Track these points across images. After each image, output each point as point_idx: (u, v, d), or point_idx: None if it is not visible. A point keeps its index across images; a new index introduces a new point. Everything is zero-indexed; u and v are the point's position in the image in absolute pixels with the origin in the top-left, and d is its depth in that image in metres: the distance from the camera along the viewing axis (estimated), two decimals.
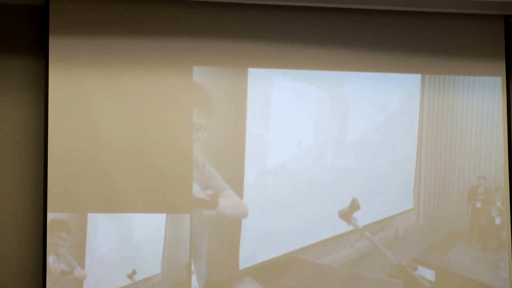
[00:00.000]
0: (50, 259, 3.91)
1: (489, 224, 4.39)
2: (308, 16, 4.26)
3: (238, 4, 4.17)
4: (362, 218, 4.26)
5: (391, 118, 4.35)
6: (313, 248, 4.20)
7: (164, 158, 4.05)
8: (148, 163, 4.04)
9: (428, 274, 4.30)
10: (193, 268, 4.04)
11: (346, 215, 4.25)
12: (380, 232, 4.29)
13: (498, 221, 4.40)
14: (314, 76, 4.26)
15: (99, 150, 4.00)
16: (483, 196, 4.40)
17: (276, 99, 4.23)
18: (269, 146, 4.20)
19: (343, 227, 4.25)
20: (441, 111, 4.39)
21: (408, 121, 4.37)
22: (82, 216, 3.97)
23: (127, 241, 4.01)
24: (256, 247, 4.14)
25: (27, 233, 4.02)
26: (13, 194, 4.03)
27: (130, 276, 4.00)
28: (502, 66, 4.45)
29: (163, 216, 4.05)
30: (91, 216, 3.98)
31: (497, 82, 4.45)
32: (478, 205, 4.40)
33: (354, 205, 4.26)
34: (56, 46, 3.99)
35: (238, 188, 4.13)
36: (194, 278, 4.04)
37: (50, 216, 3.93)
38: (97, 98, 4.02)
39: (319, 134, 4.27)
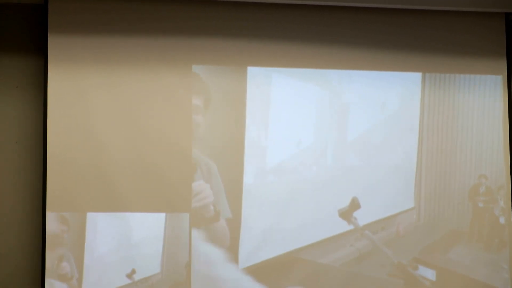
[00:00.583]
0: (48, 260, 3.91)
1: (492, 223, 4.37)
2: (308, 15, 4.25)
3: (237, 3, 4.16)
4: (363, 217, 4.25)
5: (392, 117, 4.33)
6: (313, 247, 4.19)
7: (163, 157, 4.04)
8: (147, 162, 4.03)
9: (429, 273, 4.28)
10: (192, 267, 4.04)
11: (346, 214, 4.24)
12: (380, 231, 4.28)
13: (502, 220, 4.38)
14: (314, 75, 4.24)
15: (98, 149, 4.00)
16: (484, 195, 4.38)
17: (275, 98, 4.22)
18: (269, 145, 4.19)
19: (343, 226, 4.24)
20: (441, 109, 4.37)
21: (409, 120, 4.35)
22: (81, 215, 3.97)
23: (126, 241, 4.01)
24: (255, 246, 4.13)
25: (26, 232, 4.02)
26: (12, 194, 4.03)
27: (129, 276, 3.99)
28: (503, 64, 4.43)
29: (162, 215, 4.04)
30: (90, 216, 3.98)
31: (498, 81, 4.43)
32: (480, 204, 4.38)
33: (354, 204, 4.24)
34: (55, 45, 3.99)
35: (237, 187, 4.12)
36: (193, 278, 4.03)
37: (49, 215, 3.92)
38: (96, 97, 4.02)
39: (319, 133, 4.25)
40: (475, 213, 4.38)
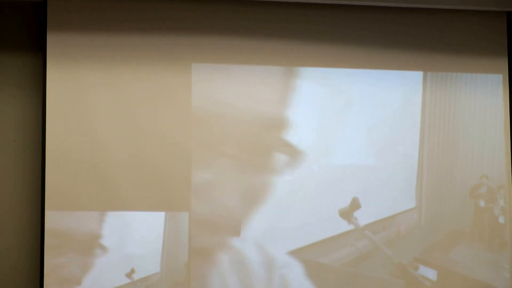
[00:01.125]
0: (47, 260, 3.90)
1: (492, 223, 4.36)
2: (309, 13, 4.24)
3: (237, 1, 4.15)
4: (363, 217, 4.23)
5: (393, 116, 4.32)
6: (313, 247, 4.17)
7: (162, 156, 4.03)
8: (147, 160, 4.02)
9: (430, 273, 4.27)
10: (192, 267, 4.02)
11: (346, 214, 4.22)
12: (381, 231, 4.26)
13: (501, 220, 4.37)
14: (314, 73, 4.23)
15: (97, 148, 3.98)
16: (485, 195, 4.37)
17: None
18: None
19: (344, 226, 4.22)
20: (443, 108, 4.36)
21: (410, 119, 4.34)
22: (80, 214, 3.94)
23: (125, 240, 3.99)
24: (256, 246, 4.10)
25: (24, 231, 4.00)
26: (11, 192, 4.02)
27: (128, 275, 3.98)
28: (504, 63, 4.42)
29: (162, 214, 4.03)
30: (89, 214, 3.96)
31: (499, 79, 4.42)
32: (481, 204, 4.37)
33: (355, 204, 4.23)
34: (54, 43, 3.98)
35: (238, 186, 4.09)
36: (193, 277, 4.01)
37: (48, 214, 3.91)
38: (95, 96, 4.01)
39: (320, 132, 4.24)
40: (476, 213, 4.36)
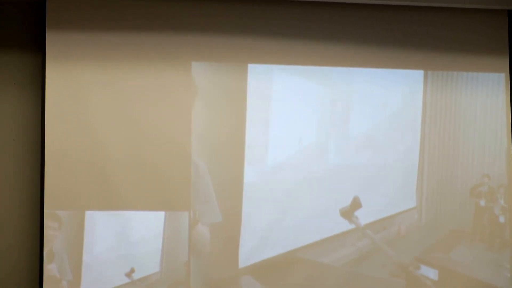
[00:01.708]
0: (46, 262, 3.89)
1: (493, 222, 4.35)
2: (309, 12, 4.23)
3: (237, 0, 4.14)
4: (364, 216, 4.22)
5: (394, 115, 4.31)
6: (314, 246, 4.17)
7: (162, 155, 4.02)
8: (146, 160, 4.01)
9: (431, 273, 4.27)
10: (192, 266, 4.01)
11: (347, 213, 4.22)
12: (382, 230, 4.25)
13: (502, 219, 4.36)
14: (315, 72, 4.22)
15: (96, 147, 3.97)
16: (486, 195, 4.36)
17: (276, 95, 4.19)
18: (269, 143, 4.16)
19: (345, 225, 4.21)
20: (444, 107, 4.35)
21: (411, 118, 4.33)
22: (79, 213, 3.94)
23: (125, 239, 3.98)
24: (256, 245, 4.10)
25: (24, 230, 3.99)
26: (10, 192, 4.01)
27: (128, 275, 3.97)
28: (505, 62, 4.41)
29: (161, 213, 4.02)
30: (88, 214, 3.95)
31: (501, 78, 4.41)
32: (482, 203, 4.36)
33: (356, 204, 4.22)
34: (53, 41, 3.97)
35: (238, 186, 4.08)
36: (193, 277, 4.01)
37: (47, 213, 3.90)
38: (95, 94, 4.00)
39: (320, 131, 4.23)
40: (477, 213, 4.36)
